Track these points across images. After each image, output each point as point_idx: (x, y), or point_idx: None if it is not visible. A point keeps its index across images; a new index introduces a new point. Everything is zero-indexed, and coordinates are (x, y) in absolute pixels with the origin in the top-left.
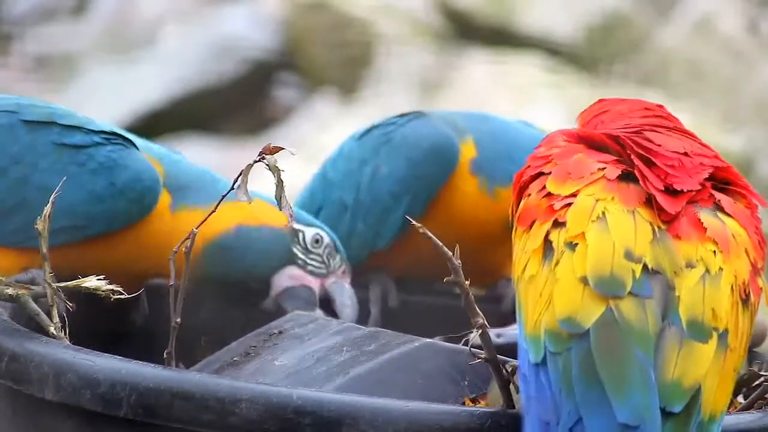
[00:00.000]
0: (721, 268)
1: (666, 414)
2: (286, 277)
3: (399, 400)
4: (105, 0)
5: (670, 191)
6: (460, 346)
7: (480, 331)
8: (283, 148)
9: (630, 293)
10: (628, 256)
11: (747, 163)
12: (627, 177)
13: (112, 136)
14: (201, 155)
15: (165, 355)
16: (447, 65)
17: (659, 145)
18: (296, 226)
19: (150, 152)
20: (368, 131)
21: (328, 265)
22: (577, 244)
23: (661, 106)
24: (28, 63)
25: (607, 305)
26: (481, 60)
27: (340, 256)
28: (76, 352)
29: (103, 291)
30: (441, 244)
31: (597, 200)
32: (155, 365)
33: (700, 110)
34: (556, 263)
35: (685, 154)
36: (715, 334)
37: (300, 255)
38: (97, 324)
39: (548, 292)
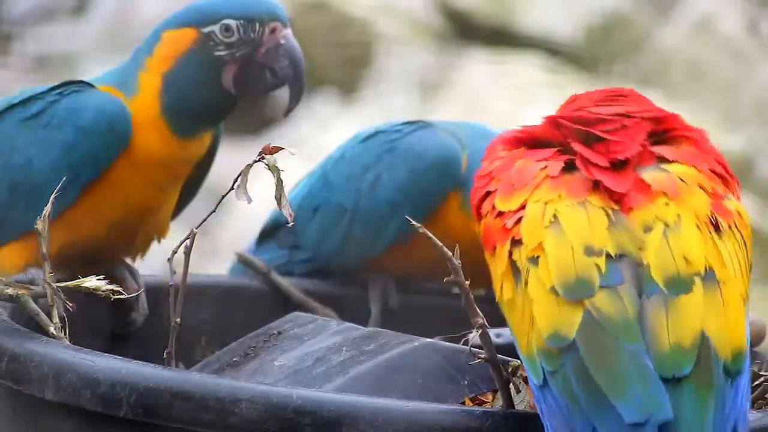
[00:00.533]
0: (678, 215)
1: (679, 380)
2: None
3: (399, 400)
4: (105, 0)
5: (615, 164)
6: (459, 345)
7: (480, 331)
8: (282, 148)
9: (600, 287)
10: (589, 251)
11: (747, 163)
12: (571, 167)
13: (65, 88)
14: None
15: (165, 355)
16: (447, 65)
17: (597, 114)
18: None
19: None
20: (373, 135)
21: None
22: (538, 257)
23: (630, 90)
24: (28, 63)
25: (584, 308)
26: (481, 60)
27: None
28: (76, 352)
29: (103, 291)
30: (441, 244)
31: (546, 203)
32: (155, 365)
33: (700, 110)
34: (525, 283)
35: (624, 115)
36: (697, 279)
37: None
38: (98, 324)
39: (528, 312)
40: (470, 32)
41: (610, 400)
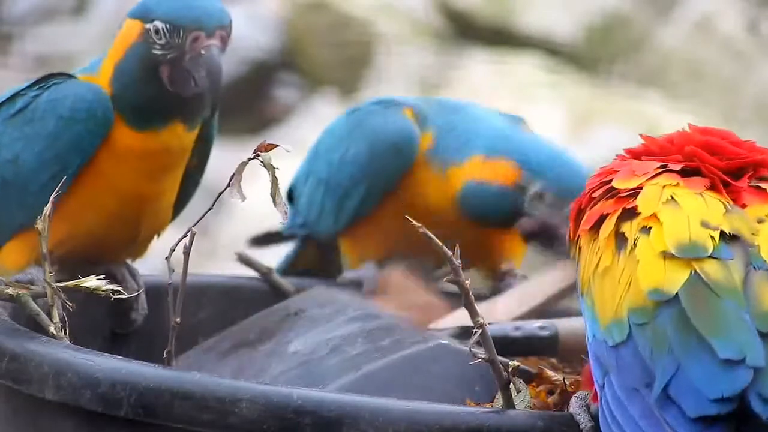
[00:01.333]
0: None
1: None
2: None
3: (401, 399)
4: (105, 0)
5: (731, 173)
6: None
7: (480, 330)
8: (277, 145)
9: (711, 256)
10: (705, 225)
11: None
12: (689, 172)
13: (46, 82)
14: None
15: (165, 355)
16: (447, 65)
17: (718, 144)
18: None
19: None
20: (354, 111)
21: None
22: (650, 227)
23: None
24: (28, 63)
25: (692, 269)
26: (481, 60)
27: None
28: (76, 351)
29: (103, 291)
30: (441, 244)
31: (664, 186)
32: (155, 365)
33: (700, 110)
34: (632, 247)
35: (740, 145)
36: None
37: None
38: (98, 324)
39: (627, 276)
40: (470, 32)
41: (706, 339)
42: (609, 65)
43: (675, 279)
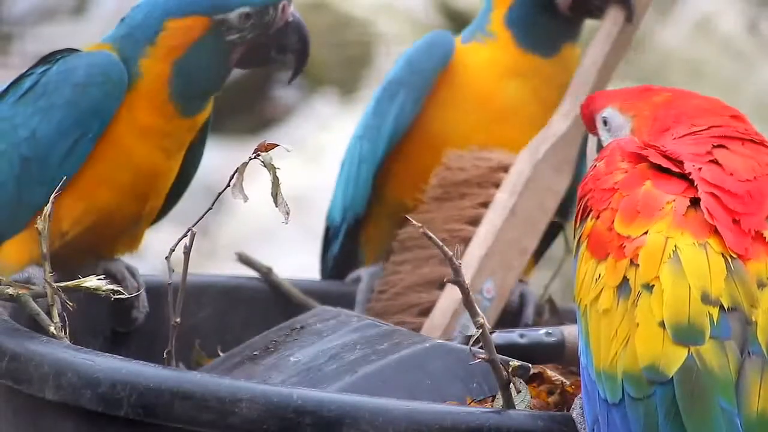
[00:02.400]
0: None
1: None
2: None
3: (400, 399)
4: (105, 0)
5: (737, 222)
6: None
7: (480, 330)
8: (278, 145)
9: (710, 338)
10: (705, 299)
11: None
12: (695, 203)
13: (50, 58)
14: None
15: (165, 355)
16: None
17: (729, 174)
18: None
19: None
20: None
21: None
22: (653, 285)
23: (732, 111)
24: (28, 63)
25: (689, 352)
26: None
27: None
28: (76, 351)
29: (103, 291)
30: (441, 243)
31: (667, 238)
32: (155, 365)
33: None
34: (634, 303)
35: (754, 179)
36: None
37: None
38: (98, 324)
39: (625, 332)
40: None
41: None
42: None
43: (671, 359)
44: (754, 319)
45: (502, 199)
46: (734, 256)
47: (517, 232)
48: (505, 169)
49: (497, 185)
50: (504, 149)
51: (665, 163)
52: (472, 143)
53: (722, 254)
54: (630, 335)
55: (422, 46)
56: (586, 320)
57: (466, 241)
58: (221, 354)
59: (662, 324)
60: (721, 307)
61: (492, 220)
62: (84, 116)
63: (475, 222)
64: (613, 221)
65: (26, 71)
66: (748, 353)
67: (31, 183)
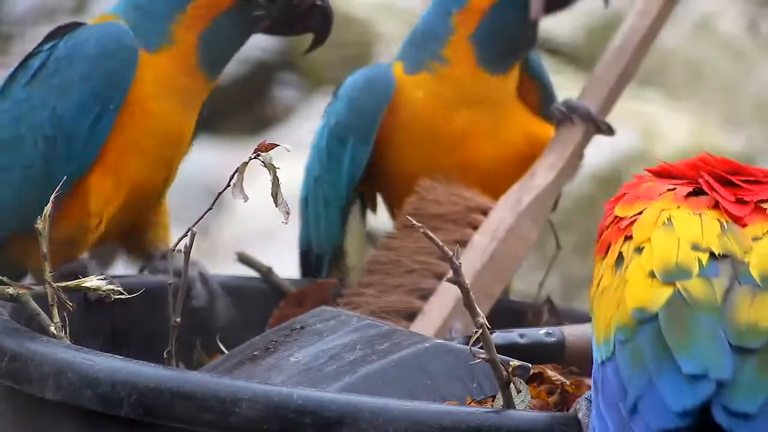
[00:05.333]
0: None
1: (745, 351)
2: None
3: (401, 399)
4: (105, 0)
5: (740, 201)
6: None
7: (480, 330)
8: (278, 145)
9: (697, 276)
10: (695, 247)
11: (747, 163)
12: (696, 193)
13: (56, 35)
14: (201, 155)
15: (165, 355)
16: None
17: (738, 166)
18: None
19: None
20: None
21: None
22: (643, 247)
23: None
24: None
25: (675, 288)
26: None
27: None
28: (76, 351)
29: (103, 291)
30: (441, 243)
31: (662, 210)
32: (155, 365)
33: (700, 110)
34: (626, 268)
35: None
36: None
37: None
38: (98, 324)
39: (619, 294)
40: None
41: (674, 355)
42: None
43: (657, 298)
44: (746, 261)
45: (482, 242)
46: (730, 221)
47: (490, 277)
48: (483, 211)
49: (473, 226)
50: (461, 174)
51: (676, 171)
52: (428, 175)
53: (718, 219)
54: (621, 295)
55: (362, 86)
56: (592, 312)
57: (435, 275)
58: (225, 351)
59: (651, 273)
60: (712, 254)
61: (471, 261)
62: (103, 88)
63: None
64: (614, 214)
65: (32, 51)
66: (738, 282)
67: (60, 160)
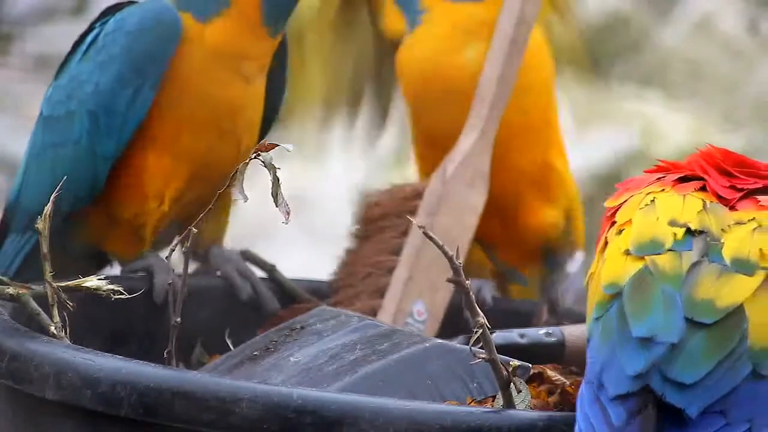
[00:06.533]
0: None
1: (697, 325)
2: None
3: (401, 399)
4: (105, 0)
5: (732, 187)
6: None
7: (480, 330)
8: (278, 145)
9: (668, 249)
10: (672, 223)
11: None
12: (687, 179)
13: (108, 13)
14: None
15: (165, 355)
16: None
17: (740, 164)
18: None
19: None
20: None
21: None
22: (623, 229)
23: None
24: (28, 63)
25: (644, 263)
26: None
27: None
28: (76, 351)
29: (103, 291)
30: (441, 243)
31: (647, 194)
32: (156, 365)
33: (700, 110)
34: (606, 250)
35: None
36: (763, 272)
37: None
38: (98, 324)
39: (599, 275)
40: None
41: (629, 323)
42: (609, 65)
43: (627, 272)
44: (722, 240)
45: (419, 221)
46: (715, 201)
47: (435, 252)
48: (420, 195)
49: (414, 212)
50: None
51: (674, 165)
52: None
53: (702, 199)
54: (599, 274)
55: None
56: (588, 295)
57: (389, 271)
58: (232, 348)
59: (627, 251)
60: (688, 229)
61: (411, 242)
62: (141, 63)
63: (399, 251)
64: (605, 210)
65: (88, 28)
66: (707, 259)
67: (101, 136)
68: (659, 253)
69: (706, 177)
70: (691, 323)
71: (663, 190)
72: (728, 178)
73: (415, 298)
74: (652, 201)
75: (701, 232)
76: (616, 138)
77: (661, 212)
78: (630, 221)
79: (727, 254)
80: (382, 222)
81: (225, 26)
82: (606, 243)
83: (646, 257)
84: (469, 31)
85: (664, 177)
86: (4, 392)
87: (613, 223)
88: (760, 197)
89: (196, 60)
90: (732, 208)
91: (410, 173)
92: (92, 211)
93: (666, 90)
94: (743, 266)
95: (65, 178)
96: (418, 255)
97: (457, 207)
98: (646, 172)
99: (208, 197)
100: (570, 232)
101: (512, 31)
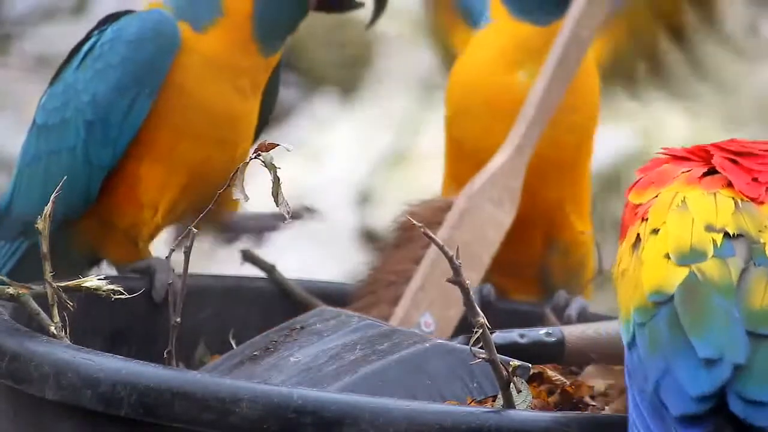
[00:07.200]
0: None
1: (760, 337)
2: None
3: (401, 399)
4: (105, 0)
5: (755, 180)
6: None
7: (480, 330)
8: (278, 145)
9: (712, 257)
10: (709, 228)
11: None
12: (711, 173)
13: (106, 22)
14: None
15: (165, 355)
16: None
17: (749, 148)
18: None
19: None
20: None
21: None
22: (659, 229)
23: None
24: (28, 63)
25: (690, 270)
26: None
27: None
28: (76, 351)
29: (103, 291)
30: (441, 243)
31: (677, 192)
32: (156, 365)
33: (700, 110)
34: (642, 249)
35: None
36: None
37: None
38: (98, 324)
39: (637, 276)
40: None
41: (689, 338)
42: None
43: (673, 280)
44: (762, 241)
45: (441, 234)
46: (746, 199)
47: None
48: (450, 208)
49: (441, 224)
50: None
51: (686, 153)
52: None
53: (732, 198)
54: (638, 276)
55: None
56: (617, 296)
57: (409, 280)
58: (235, 346)
59: (667, 255)
60: (726, 234)
61: (429, 254)
62: (139, 72)
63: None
64: (629, 200)
65: (84, 37)
66: (753, 264)
67: (97, 145)
68: (702, 261)
69: (726, 172)
70: (753, 336)
71: (692, 188)
72: (746, 169)
73: (424, 308)
74: (683, 201)
75: (740, 236)
76: (617, 137)
77: (695, 215)
78: (665, 223)
79: None
80: (412, 232)
81: (218, 36)
82: (639, 239)
83: (691, 265)
84: (524, 52)
85: (689, 171)
86: (5, 392)
87: (645, 219)
88: None
89: (193, 70)
90: (761, 203)
91: (410, 173)
92: (86, 218)
93: (666, 90)
94: None
95: (61, 184)
96: (432, 267)
97: (480, 222)
98: (664, 153)
99: (202, 207)
100: (577, 273)
101: (562, 52)
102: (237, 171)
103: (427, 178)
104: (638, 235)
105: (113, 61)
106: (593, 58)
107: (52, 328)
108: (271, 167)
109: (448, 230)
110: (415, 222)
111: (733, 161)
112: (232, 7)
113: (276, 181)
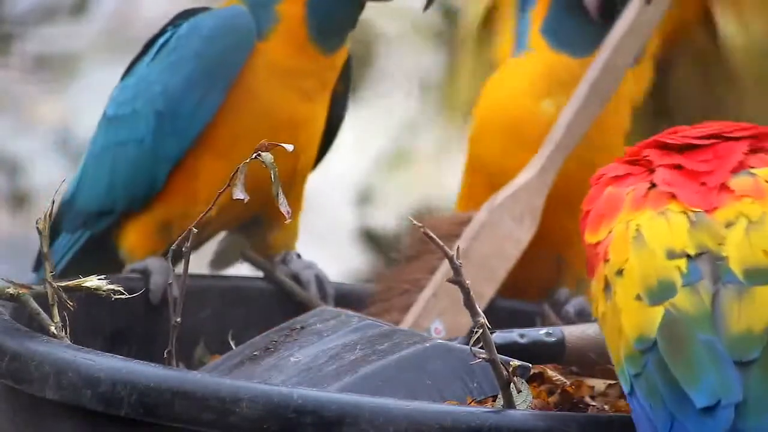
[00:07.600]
0: (763, 213)
1: (746, 365)
2: None
3: (401, 399)
4: (105, 0)
5: (702, 185)
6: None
7: (480, 330)
8: (278, 145)
9: (681, 287)
10: (670, 255)
11: None
12: (655, 185)
13: (181, 18)
14: None
15: (165, 355)
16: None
17: (690, 138)
18: None
19: None
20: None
21: None
22: (623, 269)
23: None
24: (28, 63)
25: (665, 309)
26: None
27: None
28: (76, 351)
29: (104, 291)
30: (441, 244)
31: (628, 222)
32: (156, 365)
33: None
34: (614, 294)
35: (719, 134)
36: None
37: None
38: (98, 324)
39: (617, 323)
40: None
41: (685, 391)
42: None
43: (652, 323)
44: (725, 255)
45: (460, 246)
46: (697, 210)
47: (469, 276)
48: (469, 222)
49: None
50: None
51: (623, 168)
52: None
53: (683, 212)
54: (619, 323)
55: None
56: (603, 331)
57: (422, 289)
58: (234, 346)
59: (638, 297)
60: (688, 256)
61: (444, 264)
62: (212, 67)
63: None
64: (585, 240)
65: (158, 32)
66: (722, 284)
67: (165, 136)
68: (673, 296)
69: (669, 188)
70: (741, 365)
71: (641, 212)
72: (691, 176)
73: (435, 315)
74: (638, 231)
75: (701, 254)
76: None
77: (653, 244)
78: (627, 260)
79: (736, 268)
80: (429, 243)
81: (278, 42)
82: (607, 283)
83: (664, 303)
84: (554, 82)
85: (632, 191)
86: (5, 392)
87: (607, 260)
88: (731, 185)
89: (260, 73)
90: (713, 209)
91: (410, 173)
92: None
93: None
94: (757, 277)
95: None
96: (446, 275)
97: (499, 236)
98: (597, 180)
99: (256, 210)
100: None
101: (595, 78)
102: (237, 171)
103: (426, 178)
104: (606, 278)
105: (188, 55)
106: (627, 96)
107: (53, 328)
108: (272, 167)
109: (467, 241)
110: (415, 222)
111: (677, 166)
112: (287, 11)
113: (276, 182)
